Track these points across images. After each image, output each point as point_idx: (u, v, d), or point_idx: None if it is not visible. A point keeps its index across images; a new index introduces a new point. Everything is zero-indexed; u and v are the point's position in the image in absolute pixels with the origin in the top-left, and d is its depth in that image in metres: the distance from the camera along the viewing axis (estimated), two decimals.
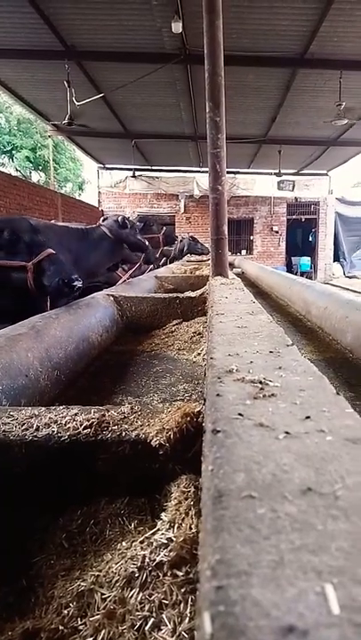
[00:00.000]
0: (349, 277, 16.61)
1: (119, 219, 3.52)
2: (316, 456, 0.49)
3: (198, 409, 0.84)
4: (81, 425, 0.85)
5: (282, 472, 0.46)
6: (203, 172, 14.89)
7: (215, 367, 0.83)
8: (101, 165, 15.75)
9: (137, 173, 15.33)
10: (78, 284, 2.16)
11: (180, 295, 2.77)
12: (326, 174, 16.01)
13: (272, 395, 0.67)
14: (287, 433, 0.55)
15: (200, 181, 15.48)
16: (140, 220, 5.04)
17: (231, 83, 7.84)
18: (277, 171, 13.84)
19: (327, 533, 0.37)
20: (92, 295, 2.65)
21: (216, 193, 2.65)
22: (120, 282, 3.90)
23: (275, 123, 10.61)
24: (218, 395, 0.68)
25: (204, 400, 0.74)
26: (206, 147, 2.69)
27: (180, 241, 8.92)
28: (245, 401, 0.65)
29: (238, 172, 15.77)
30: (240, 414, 0.60)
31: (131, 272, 4.72)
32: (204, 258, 9.23)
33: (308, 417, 0.59)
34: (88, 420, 0.85)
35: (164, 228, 5.18)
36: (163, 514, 0.67)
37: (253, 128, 11.18)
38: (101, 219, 3.72)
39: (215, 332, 1.15)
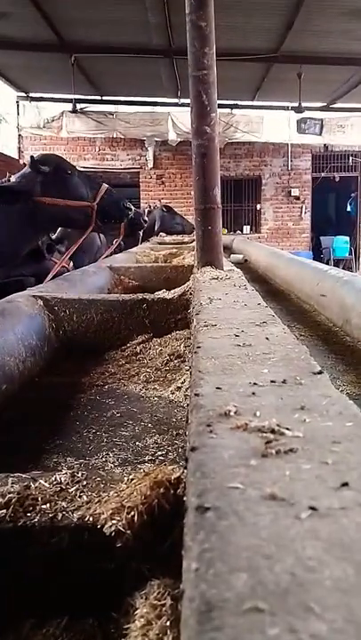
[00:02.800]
0: None
1: (40, 164, 3.44)
2: (357, 544, 0.50)
3: (177, 475, 0.84)
4: None
5: (305, 570, 0.47)
6: (182, 105, 15.05)
7: (203, 408, 0.83)
8: (23, 95, 15.76)
9: (80, 107, 15.37)
10: None
11: (149, 297, 2.78)
12: None
13: (290, 450, 0.68)
14: (313, 509, 0.55)
15: (178, 120, 15.67)
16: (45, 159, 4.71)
17: None
18: (297, 104, 14.09)
19: None
20: (7, 298, 2.63)
21: (203, 138, 2.68)
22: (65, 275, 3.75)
23: (291, 31, 10.81)
24: (207, 452, 0.68)
25: (186, 461, 0.74)
26: (187, 67, 2.73)
27: (149, 212, 8.98)
28: (249, 460, 0.66)
29: (237, 107, 16.01)
30: (241, 482, 0.61)
31: (107, 254, 4.57)
32: (185, 238, 9.29)
33: (344, 484, 0.59)
34: (3, 496, 0.85)
35: (104, 186, 4.40)
36: None
37: (259, 39, 11.37)
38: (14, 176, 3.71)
39: (203, 354, 1.16)
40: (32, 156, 3.79)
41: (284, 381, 0.95)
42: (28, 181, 3.60)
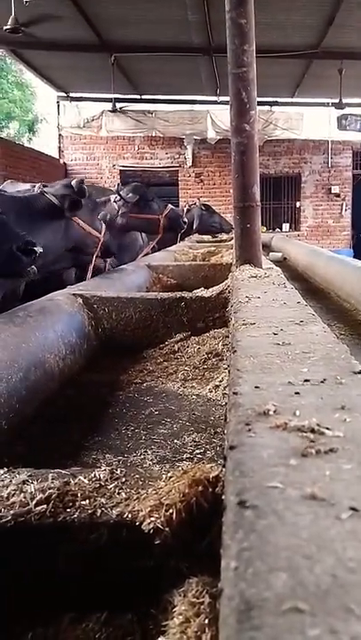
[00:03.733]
0: None
1: (73, 183, 3.77)
2: None
3: (215, 473, 0.84)
4: (32, 499, 0.85)
5: (346, 571, 0.46)
6: (221, 103, 15.00)
7: (242, 407, 0.83)
8: (64, 95, 15.95)
9: (119, 106, 15.48)
10: (38, 249, 2.53)
11: (188, 295, 2.78)
12: None
13: (331, 450, 0.67)
14: (354, 510, 0.55)
15: (217, 118, 15.62)
16: (132, 189, 5.45)
17: None
18: (337, 100, 13.91)
19: None
20: (48, 295, 2.67)
21: (242, 135, 2.67)
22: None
23: (332, 26, 10.69)
24: (246, 451, 0.68)
25: (225, 459, 0.74)
26: (226, 65, 2.72)
27: (187, 211, 8.97)
28: (289, 460, 0.66)
29: (277, 104, 15.91)
30: (280, 481, 0.60)
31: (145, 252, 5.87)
32: (224, 237, 9.27)
33: None
34: (43, 492, 0.86)
35: (169, 206, 5.80)
36: None
37: (299, 35, 11.27)
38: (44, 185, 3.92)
39: (242, 353, 1.16)
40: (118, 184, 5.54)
41: (323, 381, 0.95)
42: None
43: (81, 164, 16.98)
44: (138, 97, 15.81)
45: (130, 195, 5.28)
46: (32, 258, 2.50)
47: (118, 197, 5.19)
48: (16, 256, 2.48)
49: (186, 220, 6.30)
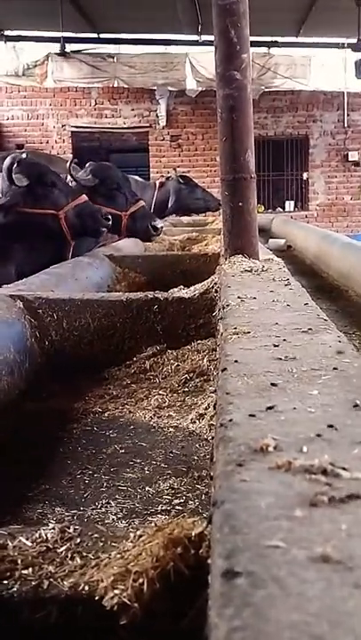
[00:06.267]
0: None
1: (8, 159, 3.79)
2: None
3: (199, 530, 0.84)
4: None
5: None
6: (204, 44, 15.04)
7: (233, 442, 0.84)
8: None
9: (70, 48, 15.45)
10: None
11: (162, 296, 2.78)
12: None
13: (348, 497, 0.68)
14: None
15: (198, 64, 15.66)
16: (95, 169, 5.40)
17: None
18: (355, 40, 14.03)
19: None
20: None
21: (231, 86, 2.68)
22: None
23: None
24: (238, 499, 0.68)
25: (211, 511, 0.74)
26: None
27: (161, 185, 8.98)
28: (293, 511, 0.66)
29: (276, 45, 15.98)
30: (283, 539, 0.60)
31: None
32: (209, 218, 9.28)
33: None
34: None
35: (140, 203, 5.52)
36: None
37: None
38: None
39: (233, 371, 1.16)
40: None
41: (339, 406, 0.95)
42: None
43: (20, 125, 16.86)
44: (95, 36, 15.77)
45: (89, 176, 5.17)
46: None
47: (70, 179, 5.04)
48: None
49: (161, 225, 5.88)
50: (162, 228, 5.73)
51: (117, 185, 5.32)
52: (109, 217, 4.62)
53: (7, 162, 4.12)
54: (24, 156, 4.49)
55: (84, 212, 4.47)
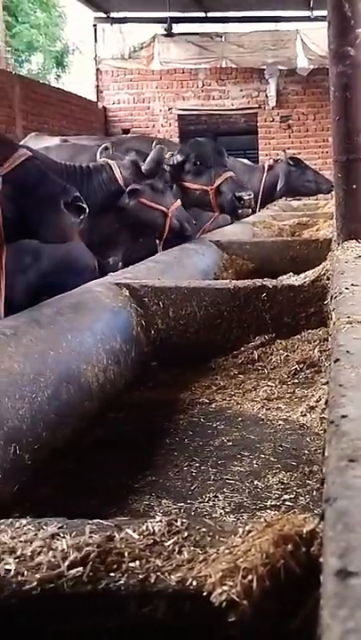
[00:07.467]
0: None
1: (152, 156, 3.99)
2: None
3: (310, 527, 0.83)
4: (64, 559, 0.85)
5: None
6: (316, 20, 14.82)
7: (347, 437, 0.82)
8: (102, 16, 16.08)
9: (177, 28, 15.51)
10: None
11: (271, 283, 2.76)
12: None
13: None
14: None
15: (310, 41, 15.46)
16: (181, 148, 5.50)
17: None
18: None
19: None
20: (84, 286, 2.70)
21: (345, 63, 2.64)
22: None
23: None
24: (352, 496, 0.68)
25: (323, 509, 0.73)
26: None
27: (270, 168, 8.92)
28: None
29: None
30: None
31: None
32: (320, 202, 9.14)
33: None
34: (79, 550, 0.86)
35: (228, 173, 5.41)
36: None
37: None
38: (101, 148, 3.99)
39: (347, 362, 1.14)
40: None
41: None
42: None
43: (126, 109, 17.08)
44: (202, 15, 15.79)
45: (177, 155, 5.20)
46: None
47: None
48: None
49: (247, 196, 5.41)
50: (250, 198, 5.38)
51: (203, 159, 5.27)
52: (194, 222, 4.75)
53: (155, 153, 4.26)
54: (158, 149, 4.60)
55: (181, 215, 4.57)
